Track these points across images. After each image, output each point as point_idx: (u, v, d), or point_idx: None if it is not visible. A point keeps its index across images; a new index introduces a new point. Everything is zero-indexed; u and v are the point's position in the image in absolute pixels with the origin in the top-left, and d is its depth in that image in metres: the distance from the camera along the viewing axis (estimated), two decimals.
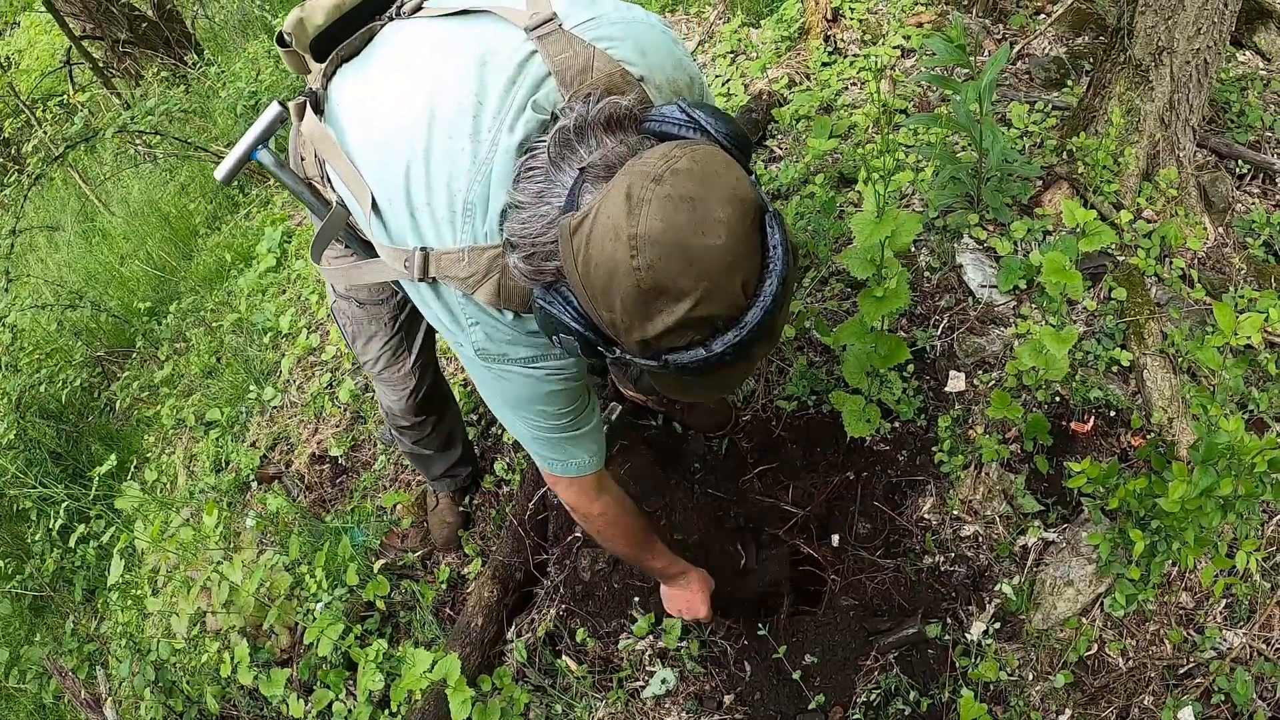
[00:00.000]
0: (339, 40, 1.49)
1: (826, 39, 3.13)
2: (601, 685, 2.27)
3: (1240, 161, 2.51)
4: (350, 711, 2.39)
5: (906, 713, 1.98)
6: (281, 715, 2.55)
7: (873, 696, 2.03)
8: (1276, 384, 2.01)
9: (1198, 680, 1.81)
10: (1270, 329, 2.06)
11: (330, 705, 2.42)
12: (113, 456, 2.77)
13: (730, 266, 1.02)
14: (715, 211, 1.01)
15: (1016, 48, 2.95)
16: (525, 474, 2.67)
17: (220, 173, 1.57)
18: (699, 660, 2.22)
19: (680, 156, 1.04)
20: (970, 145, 2.58)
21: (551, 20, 1.28)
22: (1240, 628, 1.84)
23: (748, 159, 1.16)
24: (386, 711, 2.38)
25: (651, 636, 2.29)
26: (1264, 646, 1.81)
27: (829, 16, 3.12)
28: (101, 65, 5.52)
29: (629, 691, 2.23)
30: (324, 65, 1.48)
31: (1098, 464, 1.85)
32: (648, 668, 2.28)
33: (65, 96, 5.19)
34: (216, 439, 3.30)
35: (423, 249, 1.30)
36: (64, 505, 2.77)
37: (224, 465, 3.28)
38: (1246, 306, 2.20)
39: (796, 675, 2.11)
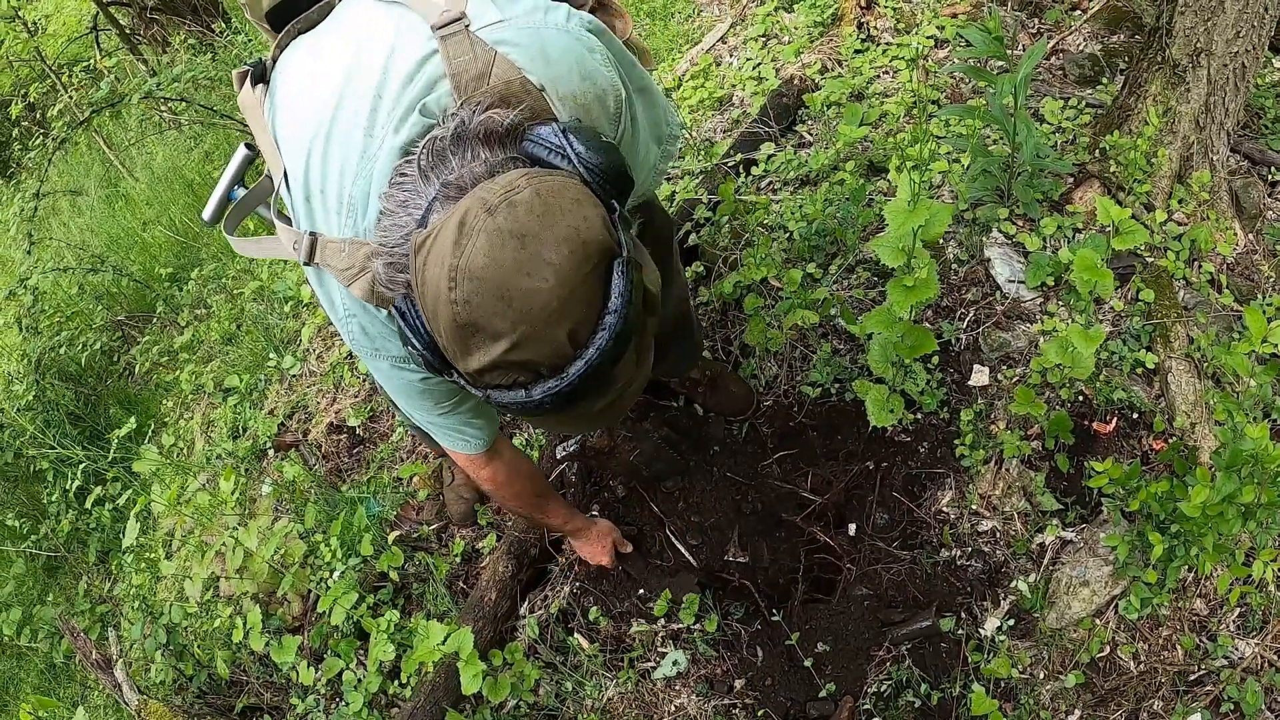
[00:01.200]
0: (298, 12, 1.48)
1: (860, 26, 3.12)
2: (612, 664, 2.30)
3: (1273, 168, 2.50)
4: (360, 681, 2.43)
5: (916, 705, 2.01)
6: (291, 682, 2.59)
7: (884, 687, 2.05)
8: None
9: (1208, 688, 1.83)
10: None
11: (340, 674, 2.46)
12: (131, 419, 2.80)
13: (554, 314, 0.97)
14: (547, 252, 0.96)
15: (1051, 43, 2.93)
16: (542, 451, 2.69)
17: (206, 214, 1.65)
18: (711, 643, 2.25)
19: (524, 187, 0.99)
20: (1002, 139, 2.58)
21: (459, 20, 1.25)
22: (1253, 638, 1.85)
23: (620, 197, 1.10)
24: (396, 682, 2.42)
25: (664, 619, 2.32)
26: (1275, 657, 1.82)
27: (863, 3, 3.11)
28: (128, 32, 5.54)
29: (639, 672, 2.26)
30: (279, 36, 1.48)
31: (1119, 465, 1.86)
32: (659, 649, 2.30)
33: (91, 62, 5.20)
34: (235, 405, 3.33)
35: (312, 233, 1.29)
36: (81, 466, 2.80)
37: (241, 432, 3.31)
38: (1275, 315, 2.20)
39: (808, 663, 2.14)
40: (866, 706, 2.04)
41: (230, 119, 3.91)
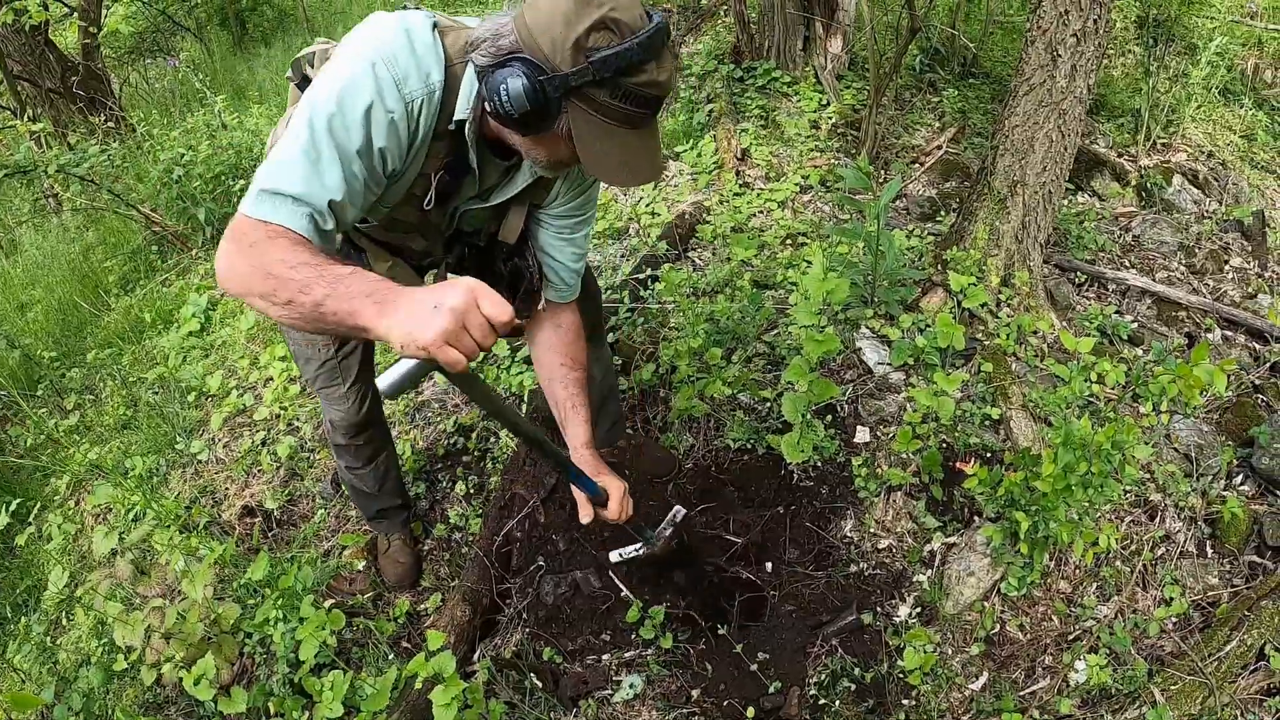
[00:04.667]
0: None
1: (737, 174, 3.90)
2: (571, 698, 2.53)
3: (1079, 273, 3.40)
4: None
5: (853, 687, 2.42)
6: None
7: (823, 676, 2.45)
8: (1115, 422, 2.75)
9: (1085, 642, 2.38)
10: (1106, 387, 2.84)
11: None
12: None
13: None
14: None
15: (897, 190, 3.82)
16: (489, 512, 2.98)
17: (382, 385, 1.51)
18: (664, 664, 2.56)
19: None
20: (862, 262, 3.34)
21: None
22: (1111, 602, 2.46)
23: None
24: None
25: (615, 648, 2.62)
26: (1131, 611, 2.43)
27: (739, 156, 3.90)
28: (24, 110, 5.54)
29: (599, 700, 2.51)
30: None
31: (985, 468, 2.48)
32: (614, 677, 2.58)
33: None
34: (134, 488, 3.34)
35: None
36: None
37: (141, 515, 3.30)
38: (1087, 367, 2.96)
39: (754, 667, 2.51)
40: (812, 693, 2.43)
41: (136, 209, 4.04)
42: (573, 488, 2.13)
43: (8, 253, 4.64)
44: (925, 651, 2.36)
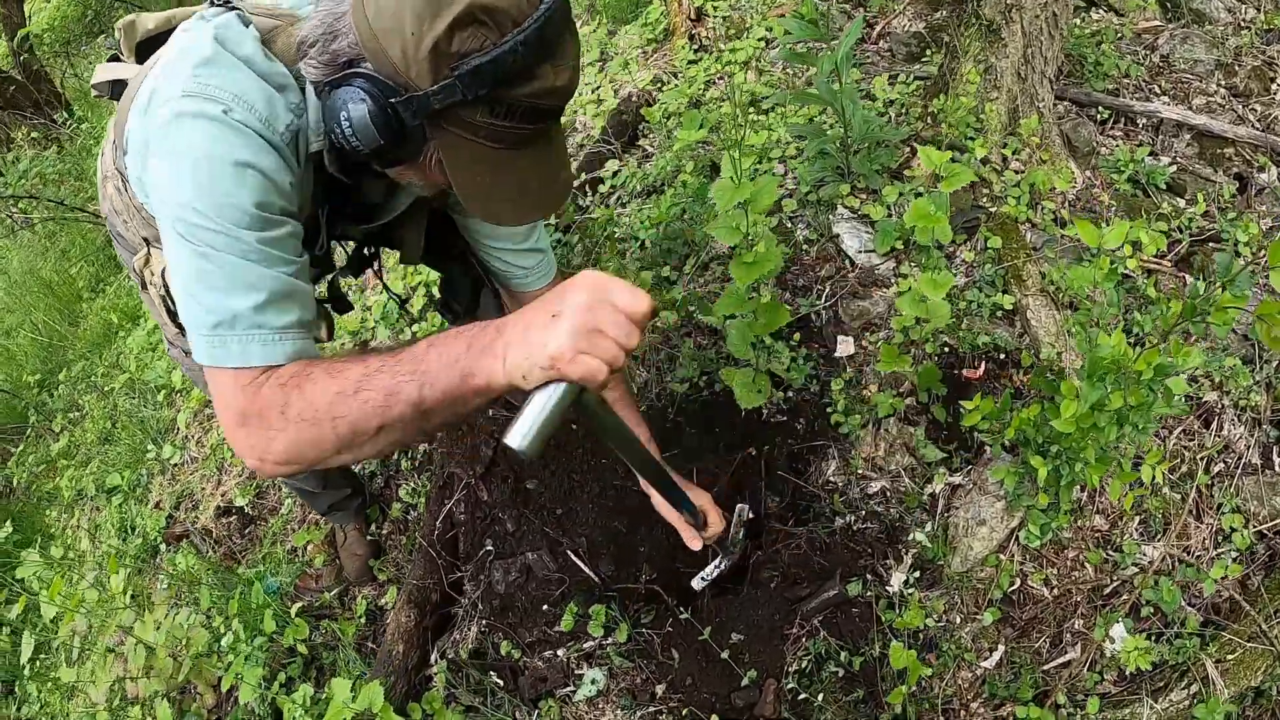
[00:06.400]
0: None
1: (691, 38, 3.08)
2: (532, 699, 2.10)
3: (1100, 108, 2.50)
4: None
5: (840, 674, 1.86)
6: None
7: (804, 663, 1.90)
8: (1157, 305, 1.97)
9: (1124, 597, 1.74)
10: (1145, 256, 2.03)
11: None
12: (8, 524, 2.48)
13: None
14: None
15: (877, 28, 2.92)
16: (430, 494, 2.50)
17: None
18: (625, 654, 2.07)
19: None
20: (835, 123, 2.54)
21: None
22: (1158, 541, 1.77)
23: None
24: None
25: (574, 640, 2.14)
26: (1184, 555, 1.75)
27: (692, 16, 3.07)
28: None
29: (560, 699, 2.07)
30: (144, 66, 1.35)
31: (990, 399, 1.78)
32: (575, 672, 2.12)
33: None
34: (119, 505, 3.04)
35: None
36: None
37: (130, 531, 3.02)
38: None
39: (725, 655, 1.97)
40: (791, 685, 1.88)
41: (83, 211, 3.63)
42: (667, 514, 1.84)
43: None
44: (917, 644, 1.75)
